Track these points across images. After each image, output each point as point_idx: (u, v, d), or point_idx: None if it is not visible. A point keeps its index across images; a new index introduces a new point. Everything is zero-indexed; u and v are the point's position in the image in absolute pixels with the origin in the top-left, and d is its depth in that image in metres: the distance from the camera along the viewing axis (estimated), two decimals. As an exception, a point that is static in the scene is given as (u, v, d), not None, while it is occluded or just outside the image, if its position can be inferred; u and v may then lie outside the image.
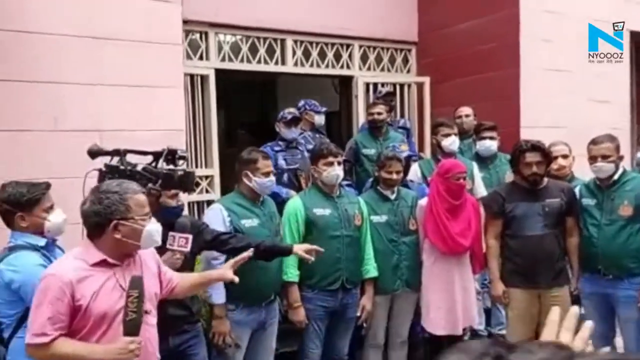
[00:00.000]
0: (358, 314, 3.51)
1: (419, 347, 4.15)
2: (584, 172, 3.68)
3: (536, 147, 3.54)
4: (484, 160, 4.62)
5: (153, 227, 2.14)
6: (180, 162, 2.74)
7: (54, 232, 2.58)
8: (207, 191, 4.89)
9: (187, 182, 2.69)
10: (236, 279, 2.44)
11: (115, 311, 2.03)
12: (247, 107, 9.24)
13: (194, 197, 4.72)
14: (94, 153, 2.58)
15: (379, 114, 4.80)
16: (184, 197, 4.53)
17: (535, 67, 5.31)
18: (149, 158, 2.74)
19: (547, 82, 5.38)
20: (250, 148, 3.38)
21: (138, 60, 3.92)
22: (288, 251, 3.03)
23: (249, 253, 2.55)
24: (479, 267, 3.78)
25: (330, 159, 3.40)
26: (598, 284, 3.46)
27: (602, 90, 5.78)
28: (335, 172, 3.40)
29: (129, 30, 3.89)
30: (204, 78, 4.96)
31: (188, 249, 2.61)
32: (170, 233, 2.60)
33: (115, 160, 2.64)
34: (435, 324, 3.62)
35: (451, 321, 3.61)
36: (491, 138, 4.56)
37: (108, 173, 2.54)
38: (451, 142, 4.36)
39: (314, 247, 3.02)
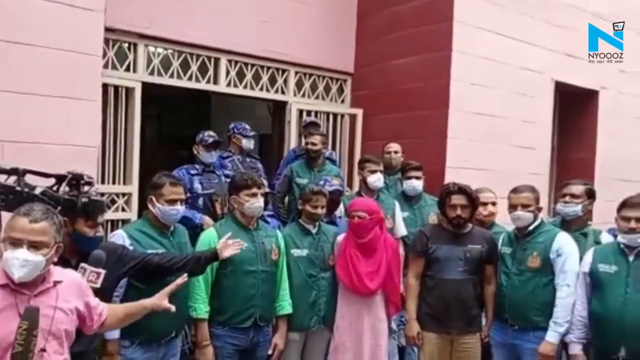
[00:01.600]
0: (270, 352, 3.37)
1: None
2: (505, 216, 3.73)
3: (463, 190, 3.56)
4: (409, 200, 4.63)
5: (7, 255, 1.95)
6: (86, 188, 2.56)
7: None
8: (123, 209, 4.66)
9: (92, 211, 2.50)
10: (173, 308, 2.34)
11: (10, 342, 1.90)
12: (179, 123, 9.01)
13: (109, 215, 4.48)
14: (-13, 170, 2.36)
15: (313, 144, 4.75)
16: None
17: (464, 110, 5.42)
18: (52, 181, 2.55)
19: (474, 125, 5.51)
20: (162, 172, 3.18)
21: (51, 68, 3.67)
22: (215, 256, 2.93)
23: (183, 279, 2.46)
24: (394, 310, 3.72)
25: (254, 190, 3.26)
26: (506, 333, 3.48)
27: (526, 137, 5.99)
28: (258, 203, 3.28)
29: (42, 35, 3.64)
30: (129, 90, 4.74)
31: (98, 284, 2.39)
32: (82, 265, 2.38)
33: (12, 180, 2.43)
34: (341, 366, 3.54)
35: (357, 364, 3.53)
36: (417, 178, 4.58)
37: (1, 194, 2.33)
38: (376, 179, 4.34)
39: (235, 241, 2.97)
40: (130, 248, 2.84)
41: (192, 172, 4.34)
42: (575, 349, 3.27)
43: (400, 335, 4.28)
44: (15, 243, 1.94)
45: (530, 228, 3.48)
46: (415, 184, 4.58)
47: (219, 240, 3.15)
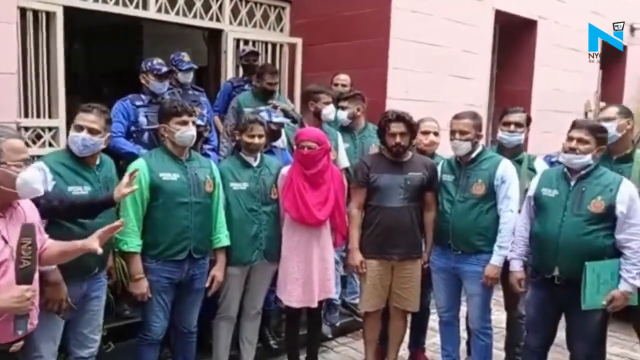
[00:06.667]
0: (207, 285, 3.30)
1: (272, 317, 4.07)
2: (445, 147, 3.73)
3: (401, 117, 3.54)
4: (349, 130, 4.52)
5: (29, 175, 2.08)
6: None
7: None
8: (50, 144, 4.36)
9: None
10: (100, 250, 2.22)
11: None
12: (111, 53, 8.49)
13: (35, 150, 4.17)
14: None
15: (271, 84, 4.67)
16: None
17: (404, 39, 5.31)
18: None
19: (415, 55, 5.43)
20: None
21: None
22: (111, 201, 2.63)
23: (121, 222, 2.37)
24: (341, 240, 3.73)
25: (185, 117, 3.09)
26: (448, 258, 3.54)
27: (466, 67, 5.97)
28: (190, 132, 3.12)
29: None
30: (49, 15, 4.35)
31: None
32: None
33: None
34: (292, 296, 3.53)
35: (308, 294, 3.53)
36: (343, 108, 4.42)
37: None
38: (330, 111, 4.17)
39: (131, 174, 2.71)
40: (52, 183, 2.60)
41: (138, 103, 4.00)
42: (516, 266, 3.36)
43: (341, 265, 4.31)
44: (26, 162, 2.12)
45: (473, 155, 3.50)
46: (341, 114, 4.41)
47: (149, 171, 3.01)
